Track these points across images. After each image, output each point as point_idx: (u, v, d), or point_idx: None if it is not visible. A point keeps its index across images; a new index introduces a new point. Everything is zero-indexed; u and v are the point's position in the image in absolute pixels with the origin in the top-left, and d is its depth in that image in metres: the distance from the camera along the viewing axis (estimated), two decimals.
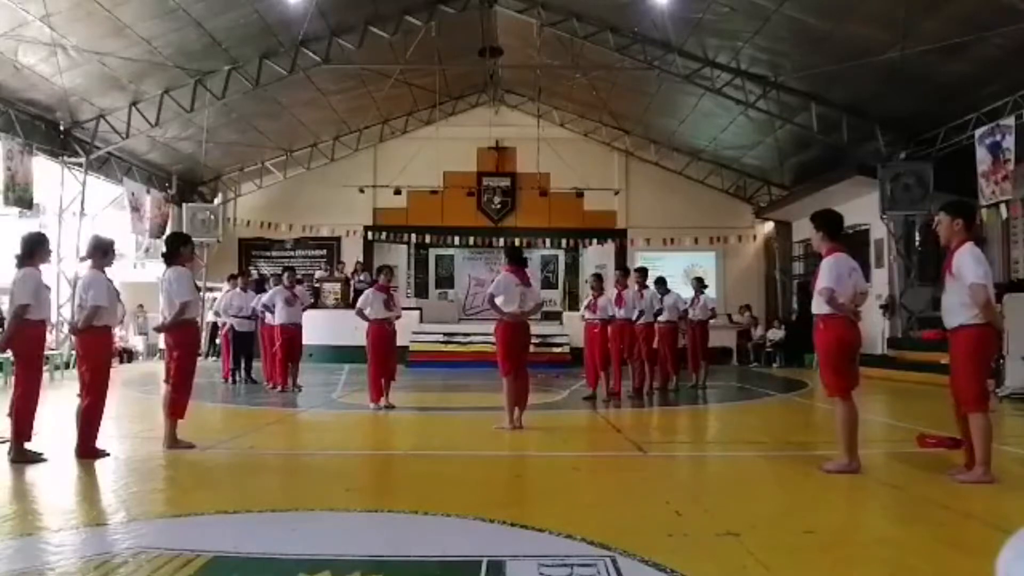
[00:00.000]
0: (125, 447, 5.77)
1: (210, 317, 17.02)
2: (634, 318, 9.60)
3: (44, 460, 5.14)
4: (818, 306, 4.96)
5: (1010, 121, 11.25)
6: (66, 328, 13.98)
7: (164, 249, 6.04)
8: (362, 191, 19.62)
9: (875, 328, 15.33)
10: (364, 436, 7.14)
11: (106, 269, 5.60)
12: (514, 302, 6.88)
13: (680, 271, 18.97)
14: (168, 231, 17.78)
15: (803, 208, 18.10)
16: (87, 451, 5.25)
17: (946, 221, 4.73)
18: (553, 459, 5.77)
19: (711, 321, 11.67)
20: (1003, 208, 11.75)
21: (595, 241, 20.85)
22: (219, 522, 3.66)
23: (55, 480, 4.85)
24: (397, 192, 19.00)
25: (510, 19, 15.56)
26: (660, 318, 10.21)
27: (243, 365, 11.59)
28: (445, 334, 16.85)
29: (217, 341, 16.13)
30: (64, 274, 14.31)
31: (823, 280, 4.90)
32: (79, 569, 2.94)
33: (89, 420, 5.31)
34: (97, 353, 5.45)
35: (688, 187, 20.24)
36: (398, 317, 8.84)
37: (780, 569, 2.99)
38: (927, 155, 13.87)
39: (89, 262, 5.62)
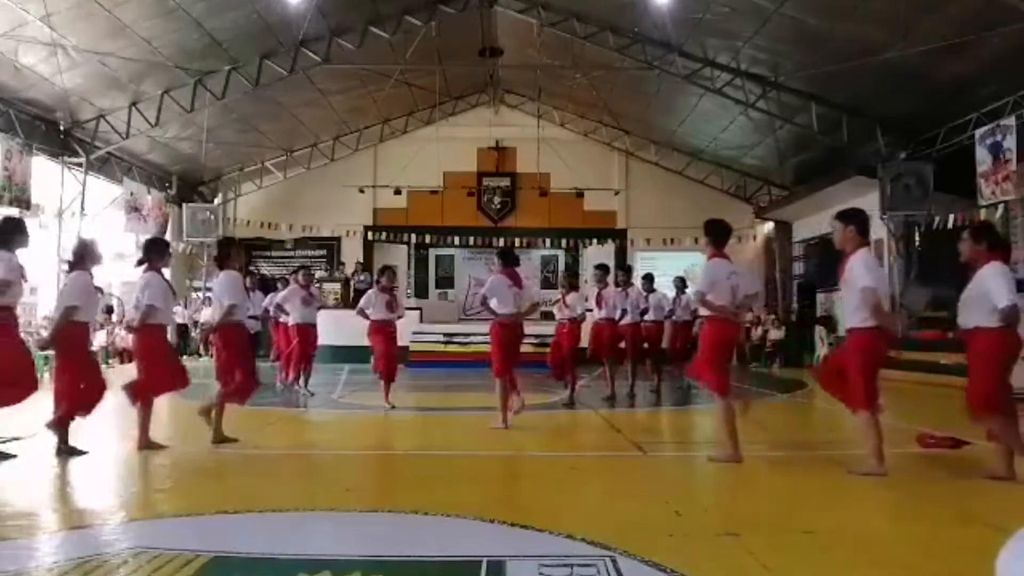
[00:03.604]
0: (125, 447, 5.76)
1: (205, 317, 17.02)
2: (617, 317, 9.43)
3: (85, 453, 5.34)
4: (701, 307, 5.41)
5: (1011, 121, 11.25)
6: None
7: (216, 253, 6.45)
8: (362, 191, 19.62)
9: None
10: (364, 436, 7.14)
11: (164, 270, 5.92)
12: (508, 303, 6.91)
13: (680, 271, 18.92)
14: (168, 231, 17.81)
15: (803, 208, 18.13)
16: (142, 446, 5.57)
17: (839, 228, 4.96)
18: (553, 459, 5.77)
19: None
20: (1002, 208, 11.76)
21: (595, 241, 20.84)
22: (219, 522, 3.66)
23: (56, 480, 4.85)
24: (397, 192, 19.00)
25: (510, 19, 15.56)
26: (646, 317, 9.99)
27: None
28: (445, 334, 16.83)
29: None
30: (64, 274, 14.30)
31: (698, 283, 5.48)
32: (80, 569, 2.94)
33: (143, 413, 5.60)
34: (153, 349, 5.73)
35: (688, 187, 20.23)
36: (400, 317, 8.84)
37: (780, 569, 2.99)
38: (927, 155, 13.87)
39: (144, 264, 5.84)
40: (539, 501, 4.36)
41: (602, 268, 9.91)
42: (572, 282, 9.58)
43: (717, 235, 5.51)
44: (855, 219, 4.94)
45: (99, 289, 5.95)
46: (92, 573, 2.89)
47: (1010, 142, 11.20)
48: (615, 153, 20.72)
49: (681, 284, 11.50)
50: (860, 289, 4.68)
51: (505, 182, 20.85)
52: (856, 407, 4.82)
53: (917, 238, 14.95)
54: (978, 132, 11.88)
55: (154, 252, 5.89)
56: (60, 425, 5.36)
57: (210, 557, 3.05)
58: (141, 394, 5.63)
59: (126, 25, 11.52)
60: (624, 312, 9.50)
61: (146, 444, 5.62)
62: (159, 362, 5.78)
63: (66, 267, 5.59)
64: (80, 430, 5.58)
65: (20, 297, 5.41)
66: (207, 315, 16.95)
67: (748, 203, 20.47)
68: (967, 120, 12.53)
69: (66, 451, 5.32)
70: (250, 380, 6.06)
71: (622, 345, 9.81)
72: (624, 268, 10.26)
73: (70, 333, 5.41)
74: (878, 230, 15.45)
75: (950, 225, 12.99)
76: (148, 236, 16.80)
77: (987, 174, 11.65)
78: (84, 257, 5.59)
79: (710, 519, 3.84)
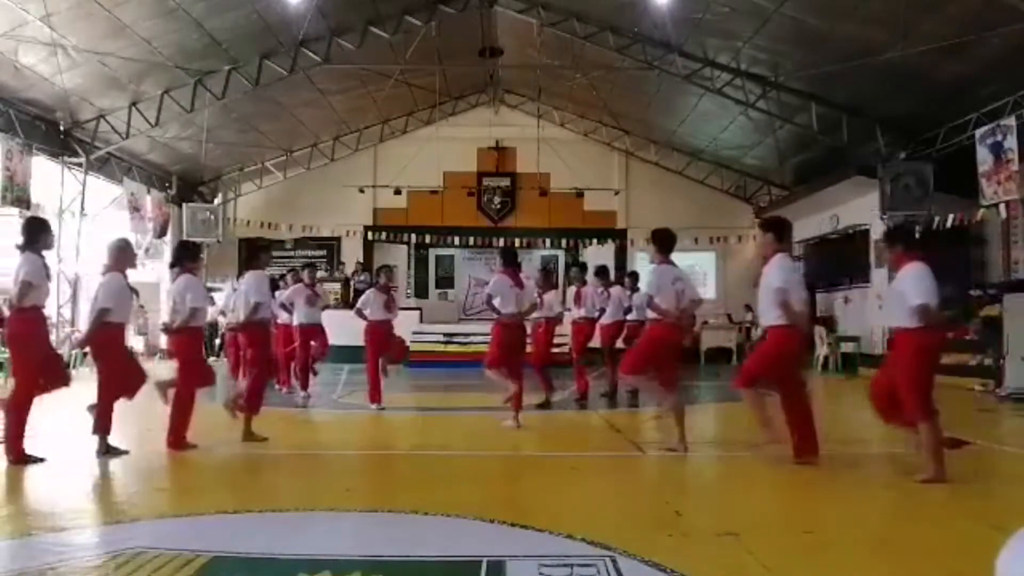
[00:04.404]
0: (125, 447, 5.76)
1: (211, 316, 16.99)
2: (595, 316, 9.25)
3: (127, 453, 5.47)
4: (648, 310, 5.83)
5: (1011, 121, 11.23)
6: (67, 328, 13.98)
7: (246, 255, 6.53)
8: (362, 191, 19.61)
9: (875, 328, 15.32)
10: (364, 436, 7.15)
11: (197, 272, 6.11)
12: (510, 303, 6.95)
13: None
14: (169, 231, 17.82)
15: (803, 208, 18.11)
16: (177, 442, 5.65)
17: (760, 235, 5.48)
18: (553, 459, 5.78)
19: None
20: (1002, 208, 11.75)
21: (595, 241, 20.84)
22: (219, 522, 3.67)
23: (56, 480, 4.85)
24: (397, 192, 18.99)
25: (510, 19, 15.55)
26: (629, 316, 9.65)
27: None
28: (445, 334, 16.83)
29: (217, 341, 16.13)
30: (64, 274, 14.30)
31: (645, 287, 5.92)
32: (79, 569, 2.94)
33: (181, 412, 5.72)
34: (192, 350, 5.95)
35: (688, 187, 20.22)
36: (394, 318, 8.83)
37: (780, 569, 2.99)
38: (927, 155, 13.85)
39: (176, 268, 6.13)
40: (539, 501, 4.37)
41: (580, 267, 9.96)
42: (548, 280, 9.49)
43: (663, 243, 5.91)
44: (774, 227, 5.37)
45: (134, 290, 6.09)
46: (92, 573, 2.90)
47: (1011, 142, 11.18)
48: (615, 153, 20.71)
49: None
50: (773, 290, 5.05)
51: (505, 182, 20.84)
52: (739, 384, 5.27)
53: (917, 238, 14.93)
54: (979, 132, 11.86)
55: (187, 255, 6.11)
56: (101, 429, 5.46)
57: (210, 557, 3.05)
58: (187, 397, 5.80)
59: (126, 25, 11.50)
60: (602, 311, 9.29)
61: (181, 444, 5.72)
62: (200, 362, 6.07)
63: (101, 269, 5.74)
64: (80, 429, 5.58)
65: (47, 297, 5.51)
66: (210, 315, 16.95)
67: (748, 203, 20.45)
68: (967, 120, 12.52)
69: (108, 452, 5.43)
70: (259, 383, 6.30)
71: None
72: (600, 268, 9.99)
73: (105, 334, 5.51)
74: (878, 230, 15.47)
75: (948, 224, 13.00)
76: (149, 236, 17.01)
77: (989, 174, 11.64)
78: (118, 258, 5.69)
79: (710, 519, 3.85)
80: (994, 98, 11.71)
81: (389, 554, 3.17)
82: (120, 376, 5.58)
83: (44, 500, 4.37)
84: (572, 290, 9.51)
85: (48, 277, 5.35)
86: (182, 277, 5.95)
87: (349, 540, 3.43)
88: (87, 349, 5.93)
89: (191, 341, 5.96)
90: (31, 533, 3.47)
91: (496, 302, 7.00)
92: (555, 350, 9.31)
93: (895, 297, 4.79)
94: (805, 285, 5.34)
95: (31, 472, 4.91)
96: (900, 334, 4.75)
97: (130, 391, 5.64)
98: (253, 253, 6.93)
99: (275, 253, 20.20)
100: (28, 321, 5.13)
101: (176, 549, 3.13)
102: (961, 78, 11.50)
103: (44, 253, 5.35)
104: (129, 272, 5.77)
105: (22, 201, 12.86)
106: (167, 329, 6.15)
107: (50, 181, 14.20)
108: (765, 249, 5.38)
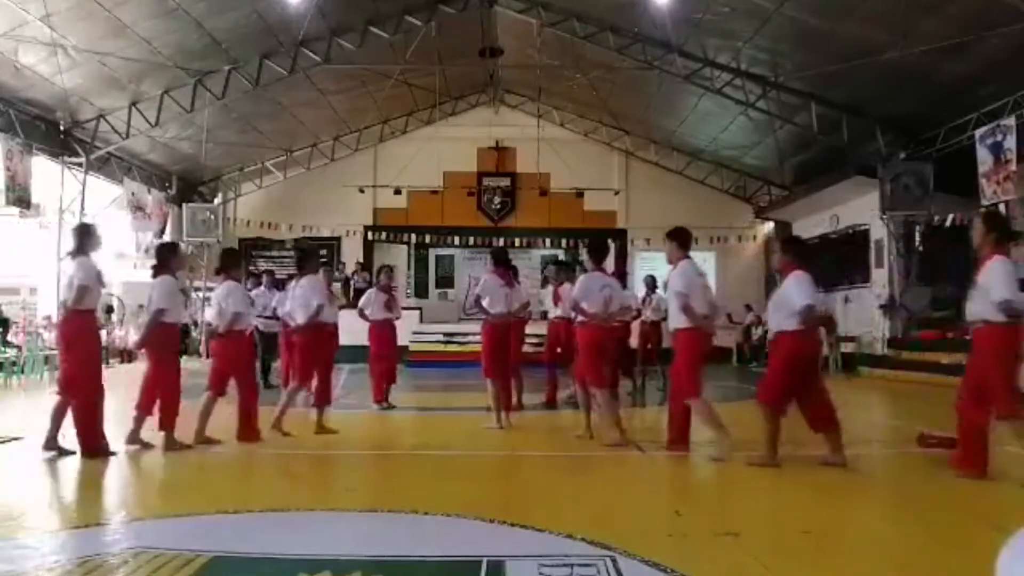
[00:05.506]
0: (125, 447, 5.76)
1: (207, 318, 16.98)
2: (572, 316, 9.18)
3: (189, 447, 5.69)
4: (577, 314, 6.10)
5: (1011, 121, 11.25)
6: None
7: (297, 259, 6.97)
8: (362, 191, 19.62)
9: (875, 328, 15.34)
10: (364, 436, 7.14)
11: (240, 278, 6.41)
12: (500, 303, 6.94)
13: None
14: (168, 232, 17.81)
15: (803, 208, 18.12)
16: (198, 439, 5.87)
17: (666, 243, 5.78)
18: (552, 459, 5.78)
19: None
20: (1002, 208, 11.76)
21: None
22: (219, 522, 3.67)
23: (56, 479, 4.86)
24: (397, 192, 19.00)
25: (510, 19, 15.56)
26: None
27: (264, 367, 11.10)
28: (445, 334, 16.84)
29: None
30: (64, 274, 14.29)
31: (573, 292, 6.24)
32: (80, 569, 2.94)
33: (204, 411, 5.93)
34: (236, 354, 6.13)
35: (688, 187, 20.22)
36: (398, 318, 8.81)
37: (780, 569, 2.99)
38: (927, 155, 13.87)
39: (221, 274, 6.31)
40: (539, 501, 4.37)
41: (559, 264, 9.94)
42: (516, 279, 9.40)
43: (596, 252, 6.37)
44: (678, 236, 5.73)
45: (183, 292, 6.26)
46: (92, 573, 2.90)
47: (1010, 142, 11.20)
48: (615, 153, 20.72)
49: (652, 283, 10.98)
50: (674, 294, 5.44)
51: (505, 182, 20.85)
52: (687, 397, 5.51)
53: (917, 238, 14.96)
54: (979, 132, 11.88)
55: (230, 262, 6.38)
56: (166, 426, 5.62)
57: (210, 557, 3.05)
58: (216, 388, 5.99)
59: (126, 25, 11.51)
60: None
61: (203, 439, 5.89)
62: (243, 365, 6.19)
63: (151, 272, 5.93)
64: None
65: (99, 300, 5.69)
66: (210, 316, 16.95)
67: (748, 203, 20.46)
68: (967, 120, 12.53)
69: (176, 447, 5.61)
70: (328, 380, 6.69)
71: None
72: (570, 264, 9.86)
73: (161, 334, 5.73)
74: (878, 230, 15.48)
75: (948, 224, 13.01)
76: (151, 235, 16.99)
77: (989, 174, 11.66)
78: (167, 261, 5.91)
79: (710, 519, 3.85)
80: (994, 98, 11.72)
81: (389, 554, 3.17)
82: (174, 373, 5.81)
83: (45, 499, 4.38)
84: (551, 289, 9.40)
85: (100, 281, 5.55)
86: (225, 283, 6.17)
87: (349, 540, 3.43)
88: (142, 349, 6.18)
89: (231, 345, 6.10)
90: (32, 533, 3.47)
91: (485, 303, 7.00)
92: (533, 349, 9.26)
93: (780, 301, 5.21)
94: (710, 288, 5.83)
95: (30, 472, 4.91)
96: (781, 335, 5.16)
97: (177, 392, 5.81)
98: (305, 258, 7.15)
99: (274, 253, 20.33)
100: (82, 323, 5.38)
101: (176, 549, 3.13)
102: (961, 78, 11.50)
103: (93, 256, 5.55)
104: (130, 272, 5.85)
105: (23, 201, 12.87)
106: (213, 333, 6.42)
107: (50, 181, 14.21)
108: (670, 256, 5.73)
